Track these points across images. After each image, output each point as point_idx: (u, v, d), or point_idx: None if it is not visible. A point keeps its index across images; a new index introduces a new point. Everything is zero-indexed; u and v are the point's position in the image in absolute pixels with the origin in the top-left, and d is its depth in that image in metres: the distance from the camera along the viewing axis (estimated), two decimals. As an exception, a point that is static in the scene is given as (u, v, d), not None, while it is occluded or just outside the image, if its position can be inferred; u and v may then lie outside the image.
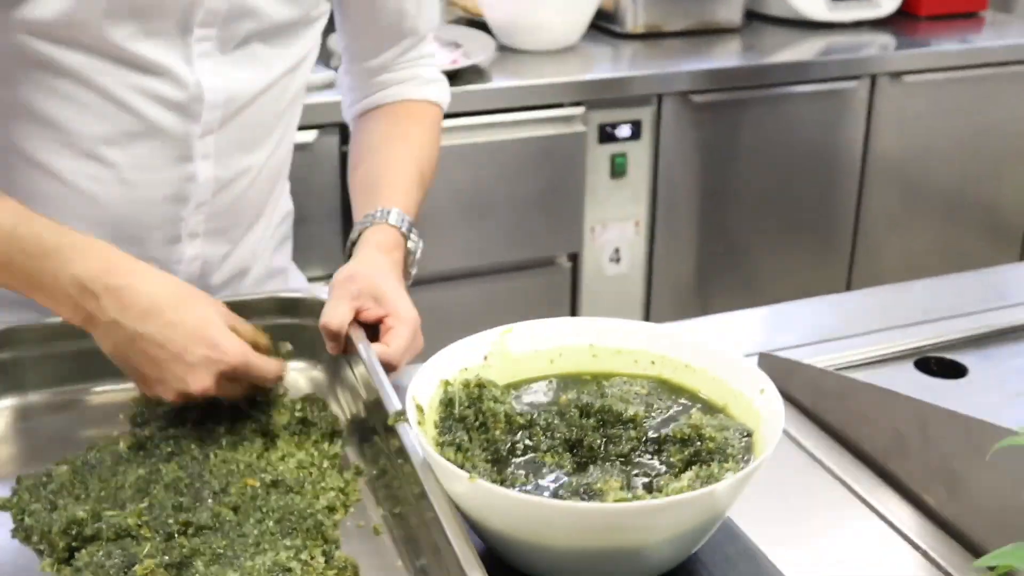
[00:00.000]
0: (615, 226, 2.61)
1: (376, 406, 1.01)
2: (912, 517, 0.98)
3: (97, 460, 0.99)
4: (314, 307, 1.15)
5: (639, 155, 2.55)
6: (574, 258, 2.59)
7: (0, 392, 1.12)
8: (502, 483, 0.86)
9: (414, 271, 1.22)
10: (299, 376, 1.17)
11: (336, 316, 1.08)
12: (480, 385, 0.94)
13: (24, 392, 1.13)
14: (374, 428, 1.03)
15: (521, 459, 0.90)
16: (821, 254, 2.84)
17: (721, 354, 0.97)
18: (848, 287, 2.87)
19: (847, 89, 2.68)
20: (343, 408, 1.13)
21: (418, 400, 0.90)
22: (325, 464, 1.02)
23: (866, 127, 2.73)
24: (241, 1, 1.14)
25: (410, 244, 1.19)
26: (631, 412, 0.92)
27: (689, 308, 2.75)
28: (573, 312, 2.64)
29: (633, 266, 2.66)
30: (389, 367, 1.03)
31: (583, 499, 0.83)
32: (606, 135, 2.49)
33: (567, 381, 0.99)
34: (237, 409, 1.06)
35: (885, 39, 2.84)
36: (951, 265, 2.96)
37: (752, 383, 0.93)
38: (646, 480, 0.88)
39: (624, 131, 2.50)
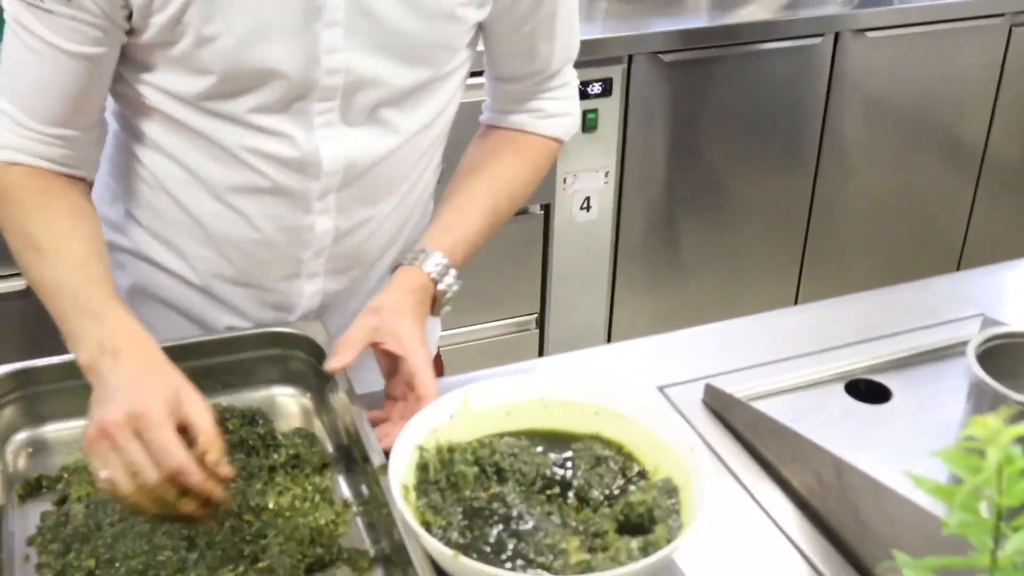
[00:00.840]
0: (586, 176, 2.71)
1: (359, 440, 1.14)
2: (832, 556, 1.11)
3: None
4: (300, 340, 1.27)
5: (610, 110, 2.64)
6: (546, 207, 2.71)
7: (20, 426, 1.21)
8: (475, 539, 1.00)
9: (447, 308, 1.29)
10: (290, 402, 1.29)
11: (352, 334, 1.19)
12: (451, 449, 1.07)
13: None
14: (358, 459, 1.16)
15: (491, 513, 1.03)
16: (784, 200, 2.96)
17: (654, 410, 1.11)
18: (807, 233, 3.00)
19: (812, 46, 2.76)
20: (328, 434, 1.24)
21: (400, 479, 1.02)
22: (317, 498, 1.14)
23: (828, 81, 2.83)
24: (358, 74, 1.17)
25: (441, 287, 1.26)
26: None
27: (654, 252, 2.88)
28: (545, 256, 2.76)
29: (602, 213, 2.78)
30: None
31: (548, 557, 0.97)
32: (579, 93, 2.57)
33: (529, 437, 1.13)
34: (246, 446, 1.18)
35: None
36: (908, 205, 3.09)
37: (683, 441, 1.06)
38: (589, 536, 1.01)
39: (596, 88, 2.59)
